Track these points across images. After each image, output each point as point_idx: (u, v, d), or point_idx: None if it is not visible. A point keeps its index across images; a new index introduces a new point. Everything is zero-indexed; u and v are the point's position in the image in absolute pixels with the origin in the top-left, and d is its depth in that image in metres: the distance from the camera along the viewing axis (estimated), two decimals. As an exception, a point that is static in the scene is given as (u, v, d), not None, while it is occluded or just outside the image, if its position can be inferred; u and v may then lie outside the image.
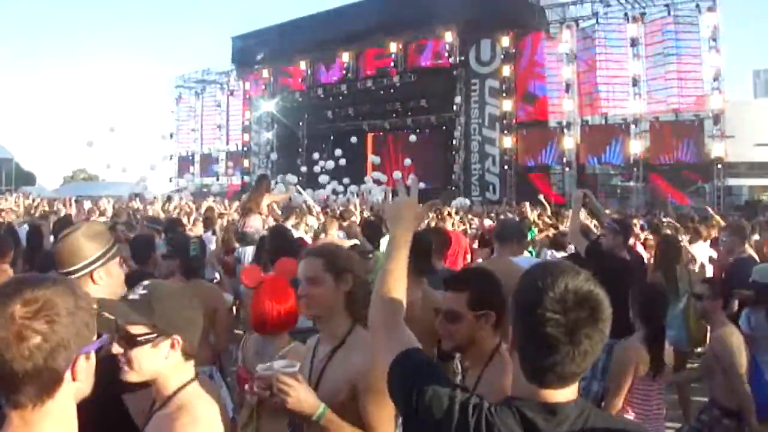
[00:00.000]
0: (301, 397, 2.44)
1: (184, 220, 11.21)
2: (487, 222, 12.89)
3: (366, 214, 13.55)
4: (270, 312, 3.44)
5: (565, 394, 1.64)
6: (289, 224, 9.61)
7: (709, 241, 9.77)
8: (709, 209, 14.12)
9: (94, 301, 1.64)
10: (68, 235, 2.83)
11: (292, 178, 30.31)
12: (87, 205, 16.82)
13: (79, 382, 1.53)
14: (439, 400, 1.68)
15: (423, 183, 33.66)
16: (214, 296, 5.20)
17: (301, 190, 17.35)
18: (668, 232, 9.60)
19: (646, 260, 7.50)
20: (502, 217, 14.34)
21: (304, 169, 36.26)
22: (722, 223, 11.36)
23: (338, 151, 33.76)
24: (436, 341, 4.19)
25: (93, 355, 1.57)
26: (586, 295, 1.59)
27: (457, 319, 2.75)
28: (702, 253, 9.02)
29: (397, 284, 2.13)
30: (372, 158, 34.42)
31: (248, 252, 8.45)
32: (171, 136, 48.20)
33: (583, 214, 11.33)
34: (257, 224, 9.41)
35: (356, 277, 2.77)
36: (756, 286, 5.27)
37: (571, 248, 7.66)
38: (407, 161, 32.53)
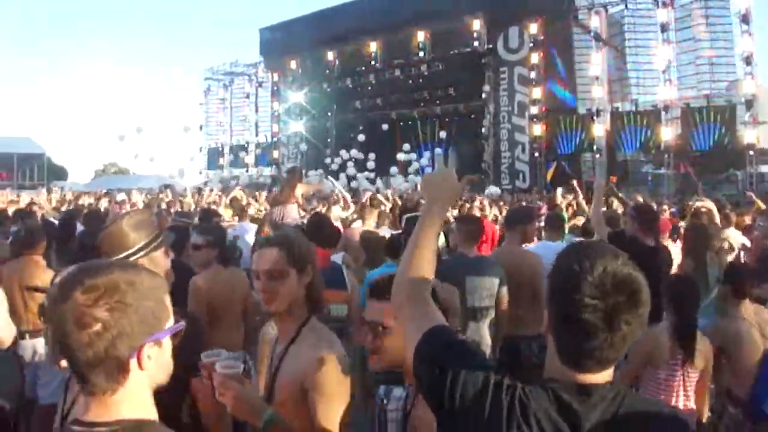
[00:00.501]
0: (242, 403, 2.24)
1: (220, 210, 11.32)
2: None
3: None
4: None
5: (602, 376, 1.62)
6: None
7: (739, 229, 9.66)
8: (751, 194, 13.94)
9: (164, 286, 1.61)
10: (112, 225, 2.84)
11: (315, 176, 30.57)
12: (121, 197, 17.05)
13: (147, 370, 1.50)
14: (473, 380, 1.64)
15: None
16: (248, 284, 5.19)
17: (333, 180, 17.43)
18: (702, 216, 9.48)
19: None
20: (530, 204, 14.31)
21: (333, 159, 36.39)
22: (763, 207, 11.25)
23: (361, 137, 33.78)
24: None
25: (167, 342, 1.56)
26: (625, 279, 1.55)
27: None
28: (733, 240, 8.93)
29: (426, 260, 2.04)
30: (403, 149, 34.32)
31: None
32: (201, 128, 48.59)
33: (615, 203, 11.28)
34: (294, 214, 9.49)
35: (314, 267, 2.65)
36: None
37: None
38: (438, 150, 32.50)
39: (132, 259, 2.72)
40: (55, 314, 1.43)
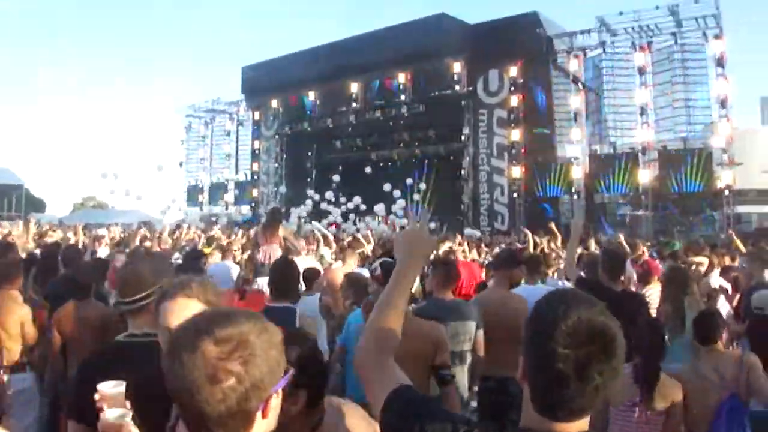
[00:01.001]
0: None
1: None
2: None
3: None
4: None
5: (577, 425, 1.59)
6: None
7: (718, 270, 9.71)
8: (732, 234, 14.07)
9: (278, 333, 1.57)
10: (133, 264, 2.94)
11: (301, 211, 30.43)
12: (102, 232, 16.96)
13: (267, 419, 1.49)
14: (442, 430, 1.64)
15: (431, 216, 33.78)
16: None
17: (315, 223, 17.42)
18: (677, 261, 9.52)
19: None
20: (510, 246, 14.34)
21: (313, 198, 36.39)
22: (743, 249, 11.33)
23: (336, 177, 33.89)
24: (429, 367, 4.28)
25: (280, 392, 1.53)
26: (599, 329, 1.53)
27: None
28: (714, 283, 8.97)
29: (395, 319, 2.05)
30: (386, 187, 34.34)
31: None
32: (180, 164, 48.58)
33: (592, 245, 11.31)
34: (278, 255, 9.45)
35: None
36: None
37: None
38: (416, 197, 32.58)
39: (151, 299, 2.75)
40: (183, 368, 1.38)
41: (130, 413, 2.09)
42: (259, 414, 1.45)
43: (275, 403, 1.49)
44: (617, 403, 4.27)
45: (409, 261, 2.15)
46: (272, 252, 9.44)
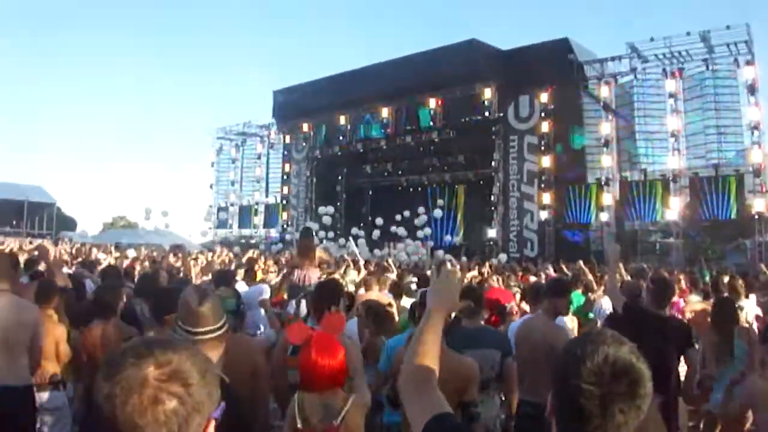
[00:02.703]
0: None
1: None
2: (533, 279, 12.91)
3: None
4: (321, 369, 3.49)
5: None
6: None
7: (754, 298, 9.71)
8: (763, 266, 14.00)
9: (212, 364, 1.61)
10: (210, 297, 3.13)
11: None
12: (132, 253, 17.17)
13: None
14: None
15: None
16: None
17: (353, 243, 17.53)
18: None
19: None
20: (542, 274, 14.34)
21: (342, 222, 36.59)
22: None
23: (368, 201, 34.03)
24: (458, 402, 4.22)
25: (213, 422, 1.49)
26: (625, 368, 1.55)
27: None
28: (750, 310, 8.97)
29: (431, 354, 2.19)
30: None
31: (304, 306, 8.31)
32: (211, 186, 49.02)
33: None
34: (315, 277, 9.24)
35: None
36: None
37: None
38: (437, 212, 32.73)
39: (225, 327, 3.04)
40: (124, 392, 1.36)
41: None
42: None
43: (211, 428, 1.48)
44: None
45: (438, 306, 2.33)
46: (309, 275, 9.33)
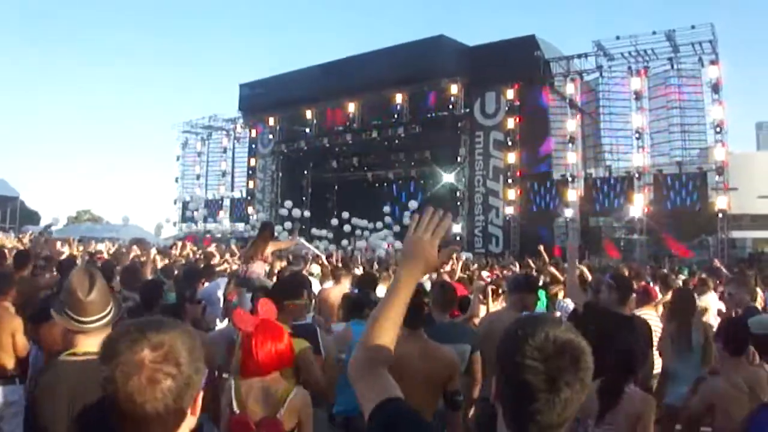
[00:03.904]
0: None
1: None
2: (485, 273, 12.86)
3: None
4: (271, 352, 3.45)
5: None
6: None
7: (718, 293, 9.77)
8: (716, 261, 14.16)
9: (199, 340, 1.69)
10: (97, 283, 2.99)
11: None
12: (101, 246, 16.94)
13: (194, 416, 1.64)
14: None
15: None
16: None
17: (304, 242, 17.51)
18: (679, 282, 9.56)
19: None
20: (505, 270, 14.35)
21: (308, 216, 36.38)
22: (728, 275, 11.40)
23: (334, 196, 33.93)
24: (440, 391, 4.24)
25: (201, 393, 1.66)
26: (567, 344, 1.54)
27: None
28: (712, 305, 9.02)
29: (389, 332, 1.95)
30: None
31: (248, 298, 8.30)
32: (176, 180, 48.58)
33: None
34: (259, 270, 9.35)
35: None
36: (755, 338, 5.20)
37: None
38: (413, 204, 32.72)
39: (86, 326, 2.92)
40: (124, 374, 1.51)
41: None
42: (189, 411, 1.61)
43: (199, 401, 1.64)
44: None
45: (406, 271, 2.00)
46: (251, 268, 9.23)
